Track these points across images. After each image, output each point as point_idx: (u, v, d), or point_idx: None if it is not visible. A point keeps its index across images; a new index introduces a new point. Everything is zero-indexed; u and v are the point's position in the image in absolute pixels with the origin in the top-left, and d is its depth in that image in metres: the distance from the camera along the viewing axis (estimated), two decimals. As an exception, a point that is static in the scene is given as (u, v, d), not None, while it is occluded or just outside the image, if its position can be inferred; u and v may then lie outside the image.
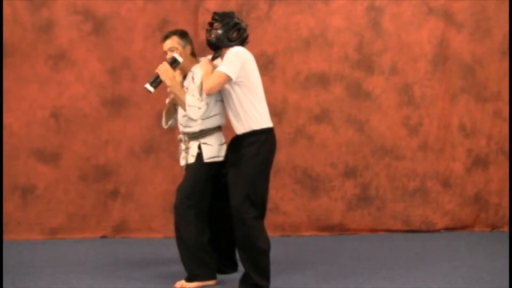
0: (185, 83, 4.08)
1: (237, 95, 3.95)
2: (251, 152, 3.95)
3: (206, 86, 3.90)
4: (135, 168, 5.54)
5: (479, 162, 5.89)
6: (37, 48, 5.36)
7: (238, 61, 3.88)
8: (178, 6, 5.47)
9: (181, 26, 5.40)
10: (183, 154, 4.12)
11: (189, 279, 4.10)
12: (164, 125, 4.29)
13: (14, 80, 5.35)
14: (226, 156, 4.13)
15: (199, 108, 3.95)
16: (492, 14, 5.75)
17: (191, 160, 4.07)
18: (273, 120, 4.10)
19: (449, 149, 5.84)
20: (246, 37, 4.04)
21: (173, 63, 4.01)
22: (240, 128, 3.99)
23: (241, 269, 4.24)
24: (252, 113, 3.96)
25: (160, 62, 5.46)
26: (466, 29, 5.75)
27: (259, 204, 3.98)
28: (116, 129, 5.53)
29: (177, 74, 4.10)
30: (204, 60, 4.07)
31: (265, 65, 5.52)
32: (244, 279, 4.03)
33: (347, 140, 5.73)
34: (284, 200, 5.66)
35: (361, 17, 5.67)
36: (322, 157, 5.70)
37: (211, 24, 4.04)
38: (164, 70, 3.99)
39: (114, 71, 5.47)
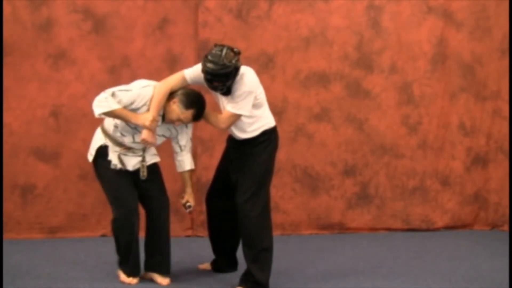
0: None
1: (245, 117, 3.96)
2: (259, 151, 4.00)
3: (222, 126, 3.96)
4: (135, 167, 5.52)
5: (479, 160, 5.89)
6: (37, 47, 5.35)
7: (251, 97, 3.87)
8: (178, 4, 5.46)
9: (181, 24, 5.43)
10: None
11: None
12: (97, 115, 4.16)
13: (13, 79, 5.33)
14: (230, 155, 4.16)
15: None
16: (492, 13, 5.75)
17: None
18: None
19: (448, 148, 5.85)
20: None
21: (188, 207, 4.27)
22: (248, 135, 4.01)
23: (240, 268, 4.25)
24: (260, 120, 4.01)
25: (160, 61, 5.50)
26: (465, 28, 5.75)
27: (265, 200, 4.02)
28: (116, 128, 5.51)
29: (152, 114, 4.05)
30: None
31: (265, 64, 5.52)
32: (245, 277, 4.04)
33: (346, 139, 5.73)
34: (284, 199, 5.66)
35: (361, 16, 5.66)
36: (321, 156, 5.71)
37: (215, 88, 3.86)
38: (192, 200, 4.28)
39: (114, 70, 5.46)
